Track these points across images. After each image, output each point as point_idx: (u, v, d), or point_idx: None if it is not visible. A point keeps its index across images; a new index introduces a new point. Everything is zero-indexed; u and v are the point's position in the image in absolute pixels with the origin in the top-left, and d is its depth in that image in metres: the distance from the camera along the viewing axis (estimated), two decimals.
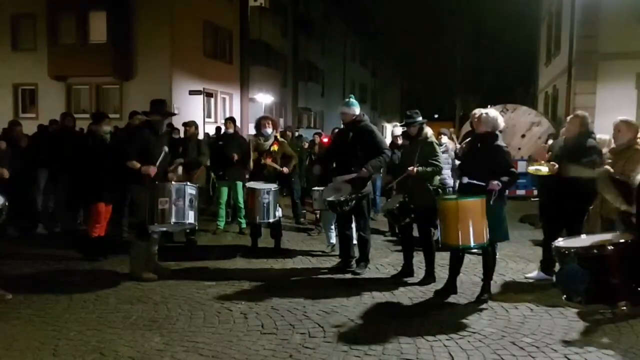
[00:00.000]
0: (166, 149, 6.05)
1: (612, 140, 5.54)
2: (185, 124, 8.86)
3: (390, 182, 6.26)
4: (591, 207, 5.58)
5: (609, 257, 4.31)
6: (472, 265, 6.16)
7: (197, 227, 6.22)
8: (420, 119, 5.89)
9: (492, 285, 5.39)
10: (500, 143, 5.16)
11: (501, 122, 5.26)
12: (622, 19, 13.43)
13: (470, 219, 4.85)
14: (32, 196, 8.40)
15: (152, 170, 5.77)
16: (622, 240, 4.42)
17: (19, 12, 20.17)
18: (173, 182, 5.85)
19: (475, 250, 5.94)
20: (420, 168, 5.69)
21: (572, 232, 5.35)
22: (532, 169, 6.02)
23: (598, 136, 6.62)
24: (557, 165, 5.45)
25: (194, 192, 5.83)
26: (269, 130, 7.25)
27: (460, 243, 4.95)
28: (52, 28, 19.49)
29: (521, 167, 12.02)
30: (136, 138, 5.96)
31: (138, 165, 5.78)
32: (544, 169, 5.68)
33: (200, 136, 14.95)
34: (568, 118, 5.85)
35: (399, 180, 5.83)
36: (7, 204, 5.12)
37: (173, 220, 5.64)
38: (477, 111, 5.40)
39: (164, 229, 6.15)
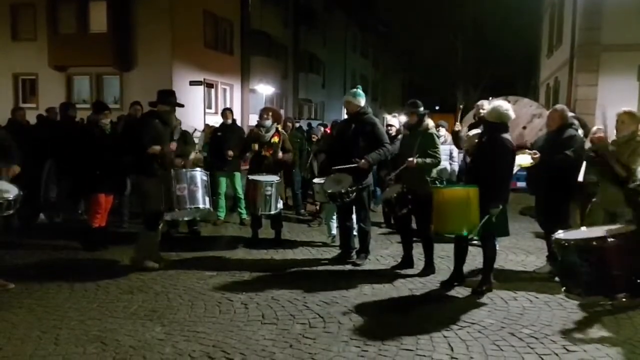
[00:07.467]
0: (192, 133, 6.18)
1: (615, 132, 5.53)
2: None
3: (387, 174, 6.25)
4: (594, 200, 5.58)
5: (609, 249, 4.32)
6: (472, 257, 6.17)
7: (212, 210, 6.47)
8: (421, 109, 5.87)
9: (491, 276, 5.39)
10: (505, 136, 5.00)
11: (505, 110, 5.04)
12: (624, 10, 13.36)
13: (459, 207, 4.89)
14: (34, 186, 8.39)
15: (173, 145, 5.86)
16: (621, 232, 4.43)
17: (19, 2, 20.11)
18: (186, 169, 5.92)
19: (476, 242, 5.94)
20: (420, 160, 5.69)
21: (558, 220, 5.34)
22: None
23: (597, 128, 6.66)
24: (538, 154, 5.42)
25: (206, 178, 6.03)
26: (268, 122, 7.25)
27: (449, 229, 5.10)
28: (52, 18, 19.42)
29: None
30: (147, 127, 5.90)
31: (159, 148, 5.77)
32: (524, 160, 5.57)
33: (200, 127, 14.96)
34: (547, 112, 5.85)
35: (398, 171, 5.83)
36: (21, 193, 5.14)
37: (190, 205, 5.80)
38: (481, 102, 5.34)
39: (181, 217, 6.40)
